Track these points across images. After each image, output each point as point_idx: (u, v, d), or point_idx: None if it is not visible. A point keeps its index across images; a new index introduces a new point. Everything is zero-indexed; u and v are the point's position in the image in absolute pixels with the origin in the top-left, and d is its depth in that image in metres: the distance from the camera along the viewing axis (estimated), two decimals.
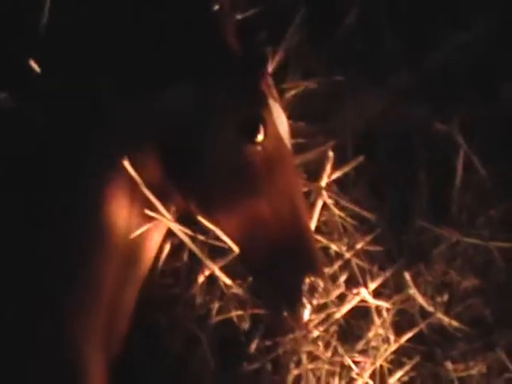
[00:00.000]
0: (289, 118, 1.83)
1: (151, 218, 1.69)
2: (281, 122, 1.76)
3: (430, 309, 1.85)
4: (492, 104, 1.98)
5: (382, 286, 1.86)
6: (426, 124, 1.97)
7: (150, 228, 1.72)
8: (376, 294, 1.85)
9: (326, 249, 1.87)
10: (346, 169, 1.88)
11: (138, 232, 1.68)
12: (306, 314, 1.68)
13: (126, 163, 1.63)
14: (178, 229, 1.73)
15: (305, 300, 1.66)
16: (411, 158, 1.98)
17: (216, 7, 1.79)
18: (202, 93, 1.72)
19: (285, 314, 1.68)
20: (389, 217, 1.92)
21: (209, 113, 1.71)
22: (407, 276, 1.82)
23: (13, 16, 1.86)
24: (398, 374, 1.83)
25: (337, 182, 1.91)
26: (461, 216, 1.93)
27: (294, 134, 1.85)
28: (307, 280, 1.65)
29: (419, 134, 1.98)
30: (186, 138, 1.70)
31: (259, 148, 1.69)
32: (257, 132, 1.69)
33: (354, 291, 1.82)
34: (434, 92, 2.01)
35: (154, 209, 1.69)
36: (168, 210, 1.71)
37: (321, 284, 1.67)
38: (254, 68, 1.80)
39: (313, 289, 1.66)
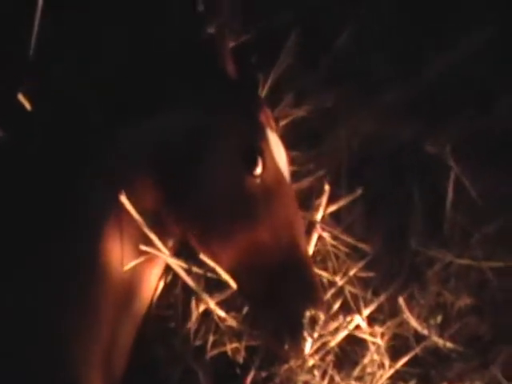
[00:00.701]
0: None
1: (146, 254, 1.70)
2: (279, 152, 1.77)
3: (425, 332, 1.87)
4: (483, 121, 1.96)
5: (376, 311, 1.88)
6: (417, 143, 1.97)
7: (147, 266, 1.74)
8: (370, 319, 1.87)
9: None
10: (342, 203, 1.89)
11: (132, 264, 1.69)
12: (307, 346, 1.69)
13: (124, 200, 1.64)
14: (174, 263, 1.74)
15: (306, 333, 1.67)
16: (403, 180, 1.98)
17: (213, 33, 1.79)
18: (200, 121, 1.72)
19: (286, 346, 1.69)
20: (382, 241, 1.92)
21: (207, 142, 1.71)
22: (401, 301, 1.84)
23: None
24: None
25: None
26: (453, 236, 1.93)
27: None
28: (308, 313, 1.66)
29: (411, 155, 1.98)
30: (184, 167, 1.71)
31: (258, 180, 1.70)
32: (255, 164, 1.69)
33: (348, 318, 1.84)
34: (426, 110, 2.01)
35: (149, 243, 1.70)
36: (165, 245, 1.72)
37: (321, 316, 1.68)
38: (251, 98, 1.82)
39: (313, 321, 1.67)
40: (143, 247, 1.69)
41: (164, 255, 1.72)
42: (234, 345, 1.83)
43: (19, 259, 1.70)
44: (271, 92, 1.96)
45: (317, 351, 1.82)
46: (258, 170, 1.69)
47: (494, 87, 2.01)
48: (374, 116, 1.99)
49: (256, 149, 1.71)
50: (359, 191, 1.87)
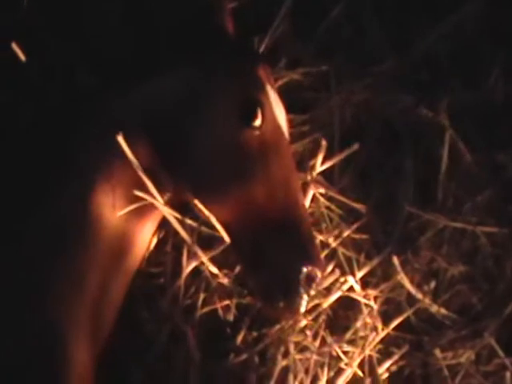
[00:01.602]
0: None
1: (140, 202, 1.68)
2: (278, 109, 1.77)
3: (418, 295, 1.86)
4: (477, 91, 1.99)
5: (369, 275, 1.87)
6: (412, 111, 1.98)
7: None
8: (363, 283, 1.86)
9: None
10: (338, 158, 1.88)
11: (125, 211, 1.67)
12: (303, 305, 1.67)
13: (122, 141, 1.61)
14: (167, 212, 1.72)
15: (302, 291, 1.65)
16: (397, 145, 1.99)
17: None
18: (199, 76, 1.72)
19: (280, 304, 1.67)
20: (375, 205, 1.92)
21: (206, 96, 1.70)
22: (395, 260, 1.83)
23: None
24: (387, 363, 1.84)
25: (323, 170, 1.91)
26: (447, 203, 1.94)
27: None
28: (304, 270, 1.64)
29: (405, 122, 1.99)
30: (182, 122, 1.70)
31: (256, 132, 1.69)
32: (254, 115, 1.69)
33: (342, 280, 1.82)
34: (421, 80, 2.03)
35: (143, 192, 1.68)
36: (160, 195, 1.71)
37: (318, 274, 1.66)
38: (249, 54, 1.83)
39: (310, 279, 1.65)
40: (137, 192, 1.67)
41: (158, 203, 1.70)
42: (225, 303, 1.80)
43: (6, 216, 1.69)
44: (267, 58, 1.96)
45: (309, 312, 1.80)
46: (258, 122, 1.69)
47: (486, 59, 2.04)
48: (368, 85, 2.00)
49: (255, 100, 1.71)
50: (355, 146, 1.86)
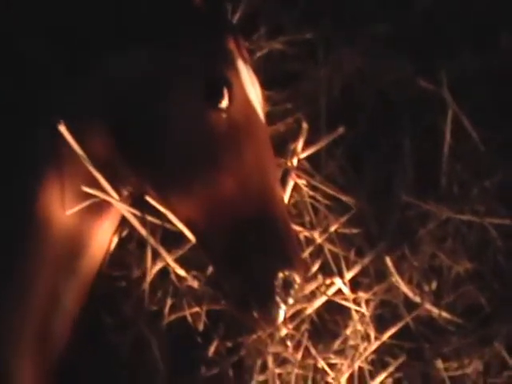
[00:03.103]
0: None
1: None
2: (252, 86, 1.60)
3: (417, 299, 1.68)
4: (486, 55, 1.78)
5: (360, 274, 1.69)
6: (409, 82, 1.78)
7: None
8: (354, 283, 1.68)
9: None
10: (323, 143, 1.69)
11: (75, 210, 1.52)
12: (281, 314, 1.49)
13: (63, 129, 1.46)
14: (125, 209, 1.57)
15: (278, 299, 1.48)
16: (393, 122, 1.79)
17: None
18: (158, 55, 1.55)
19: (254, 314, 1.49)
20: (368, 193, 1.73)
21: (166, 78, 1.54)
22: (389, 262, 1.65)
23: None
24: (381, 376, 1.67)
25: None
26: (451, 189, 1.74)
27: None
28: (281, 275, 1.47)
29: (402, 94, 1.79)
30: (141, 108, 1.54)
31: (224, 115, 1.52)
32: (220, 96, 1.52)
33: (328, 282, 1.64)
34: (419, 45, 1.82)
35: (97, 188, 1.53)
36: (118, 193, 1.55)
37: (297, 279, 1.48)
38: (218, 25, 1.64)
39: (288, 285, 1.48)
40: (85, 188, 1.50)
41: (113, 199, 1.53)
42: (195, 309, 1.63)
43: None
44: (244, 26, 1.78)
45: (290, 319, 1.63)
46: (224, 103, 1.51)
47: (495, 21, 1.83)
48: (359, 52, 1.80)
49: (221, 78, 1.53)
50: (341, 130, 1.67)
